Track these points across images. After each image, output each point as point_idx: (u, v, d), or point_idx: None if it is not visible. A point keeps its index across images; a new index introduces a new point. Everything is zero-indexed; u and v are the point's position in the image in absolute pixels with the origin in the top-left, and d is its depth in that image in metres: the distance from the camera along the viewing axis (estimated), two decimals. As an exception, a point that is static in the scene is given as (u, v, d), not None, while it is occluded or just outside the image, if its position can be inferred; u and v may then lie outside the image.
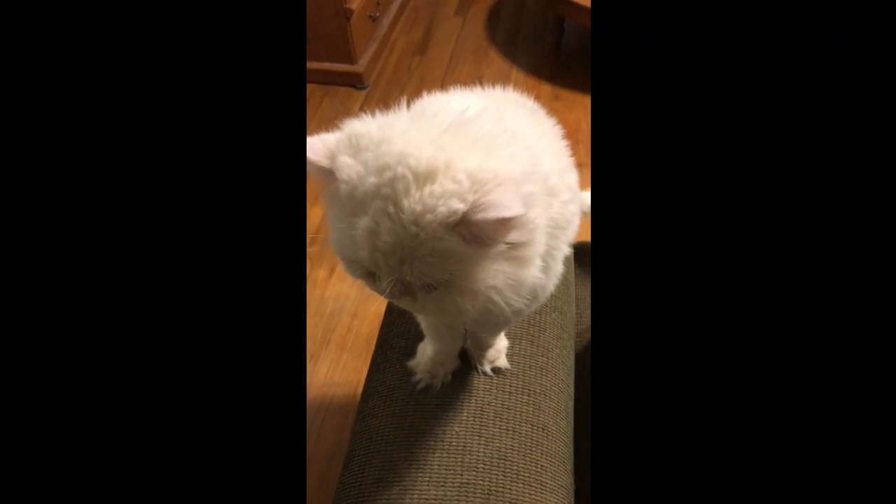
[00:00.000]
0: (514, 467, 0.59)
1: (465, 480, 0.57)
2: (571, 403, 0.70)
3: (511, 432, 0.61)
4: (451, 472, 0.58)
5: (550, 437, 0.64)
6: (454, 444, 0.60)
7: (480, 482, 0.57)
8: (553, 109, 0.59)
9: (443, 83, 1.99)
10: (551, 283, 0.50)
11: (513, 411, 0.63)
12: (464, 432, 0.60)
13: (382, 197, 0.37)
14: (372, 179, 0.37)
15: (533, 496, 0.58)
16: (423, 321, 0.64)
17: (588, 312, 0.87)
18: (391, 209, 0.37)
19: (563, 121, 0.62)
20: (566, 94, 1.88)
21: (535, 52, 2.10)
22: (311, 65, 1.96)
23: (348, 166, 0.38)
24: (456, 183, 0.36)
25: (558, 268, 0.50)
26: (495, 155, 0.38)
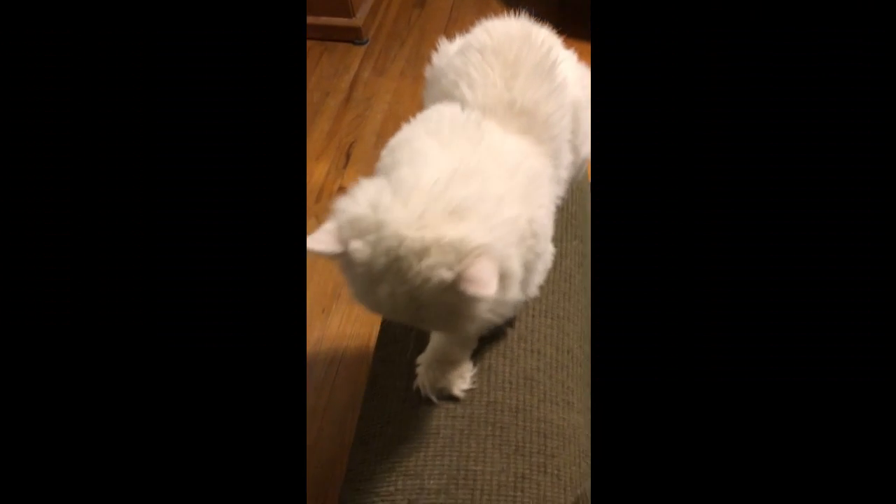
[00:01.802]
0: (541, 387, 0.58)
1: (492, 399, 0.57)
2: (594, 329, 0.69)
3: (536, 354, 0.61)
4: (478, 391, 0.57)
5: (576, 360, 0.63)
6: (480, 364, 0.59)
7: (508, 401, 0.57)
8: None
9: (445, 35, 1.93)
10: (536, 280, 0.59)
11: (537, 334, 0.62)
12: (489, 353, 0.59)
13: (393, 272, 0.46)
14: (382, 260, 0.46)
15: (561, 415, 0.58)
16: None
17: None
18: (401, 281, 0.46)
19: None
20: (570, 44, 1.83)
21: (539, 1, 2.04)
22: (307, 19, 1.91)
23: (360, 251, 0.47)
24: (444, 255, 0.45)
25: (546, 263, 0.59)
26: (471, 219, 0.46)
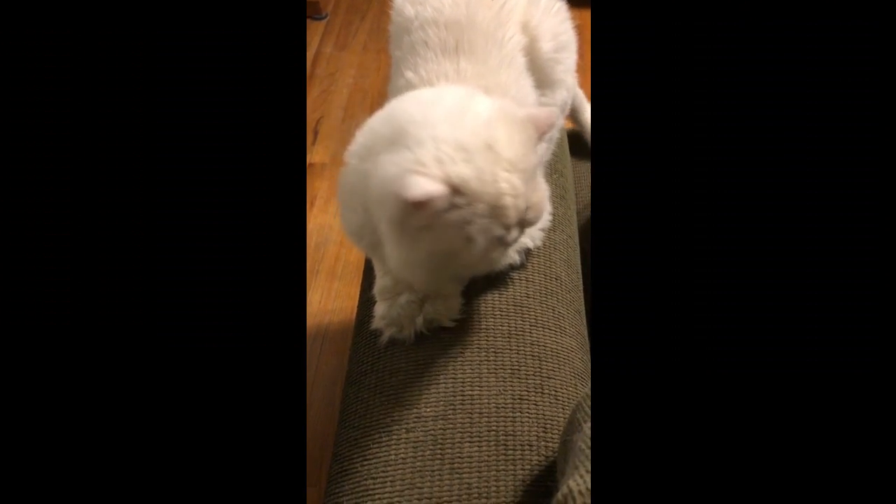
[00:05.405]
0: (532, 313, 0.58)
1: (483, 326, 0.56)
2: (579, 260, 0.68)
3: (525, 281, 0.60)
4: (469, 319, 0.56)
5: (564, 287, 0.62)
6: (468, 293, 0.57)
7: (500, 327, 0.56)
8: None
9: (405, 7, 1.90)
10: None
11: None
12: (477, 283, 0.58)
13: (495, 163, 0.45)
14: (484, 156, 0.46)
15: (554, 339, 0.57)
16: (379, 268, 0.58)
17: (584, 193, 0.86)
18: (506, 167, 0.45)
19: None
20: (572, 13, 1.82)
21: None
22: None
23: (452, 162, 0.45)
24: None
25: None
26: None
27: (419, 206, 0.43)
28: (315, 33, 1.86)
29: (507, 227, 0.47)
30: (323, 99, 1.70)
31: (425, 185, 0.42)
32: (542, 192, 0.52)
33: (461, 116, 0.47)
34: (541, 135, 0.49)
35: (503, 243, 0.49)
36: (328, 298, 1.33)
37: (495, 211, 0.45)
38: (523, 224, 0.50)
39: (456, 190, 0.44)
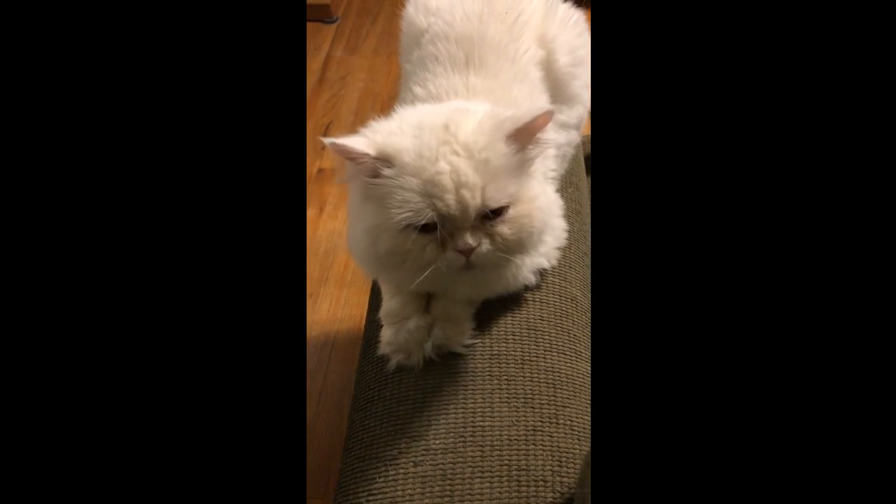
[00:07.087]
0: (547, 337, 0.55)
1: (495, 352, 0.53)
2: (596, 278, 0.66)
3: (539, 303, 0.57)
4: (480, 344, 0.53)
5: (579, 307, 0.59)
6: (479, 316, 0.55)
7: (513, 353, 0.53)
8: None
9: (416, 9, 1.87)
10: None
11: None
12: (488, 305, 0.56)
13: (445, 142, 0.44)
14: (435, 133, 0.45)
15: (569, 365, 0.54)
16: (386, 289, 0.56)
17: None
18: (457, 149, 0.44)
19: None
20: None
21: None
22: (274, 1, 1.83)
23: (400, 134, 0.46)
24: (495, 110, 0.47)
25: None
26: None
27: (339, 154, 0.45)
28: (326, 37, 1.84)
29: (445, 218, 0.43)
30: (333, 103, 1.68)
31: (351, 140, 0.45)
32: (528, 201, 0.46)
33: (442, 105, 0.49)
34: (523, 132, 0.45)
35: (439, 242, 0.44)
36: (337, 306, 1.31)
37: (428, 189, 0.43)
38: (493, 234, 0.45)
39: (386, 159, 0.44)
